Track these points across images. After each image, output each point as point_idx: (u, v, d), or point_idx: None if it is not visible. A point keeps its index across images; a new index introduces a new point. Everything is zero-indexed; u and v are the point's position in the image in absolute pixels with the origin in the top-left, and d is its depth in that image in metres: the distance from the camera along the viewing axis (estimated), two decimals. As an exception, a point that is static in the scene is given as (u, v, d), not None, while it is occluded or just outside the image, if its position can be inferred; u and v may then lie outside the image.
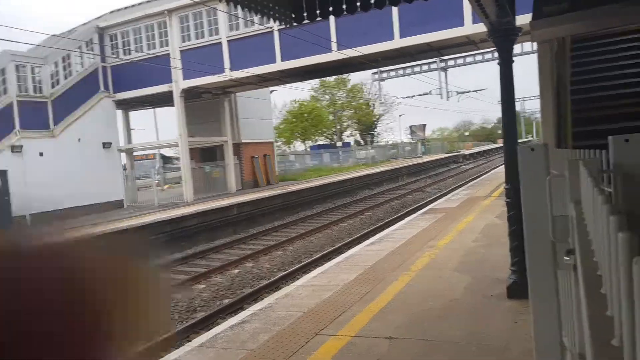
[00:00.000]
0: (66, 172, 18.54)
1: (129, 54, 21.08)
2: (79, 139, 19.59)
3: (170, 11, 20.22)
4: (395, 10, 15.91)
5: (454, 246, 7.55)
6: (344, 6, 5.11)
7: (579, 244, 1.24)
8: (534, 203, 2.53)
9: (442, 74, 25.99)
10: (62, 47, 19.30)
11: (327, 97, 58.19)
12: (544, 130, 5.46)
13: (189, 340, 5.76)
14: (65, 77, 19.71)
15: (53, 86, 19.19)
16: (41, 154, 18.15)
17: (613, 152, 2.23)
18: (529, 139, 71.16)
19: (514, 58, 5.37)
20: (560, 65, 5.44)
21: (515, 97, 5.39)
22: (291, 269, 9.88)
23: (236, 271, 10.57)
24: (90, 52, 20.80)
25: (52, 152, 18.48)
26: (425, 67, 24.95)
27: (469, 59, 22.95)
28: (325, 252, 11.16)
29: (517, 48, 21.21)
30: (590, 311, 0.69)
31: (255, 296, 8.24)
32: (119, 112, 23.37)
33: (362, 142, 59.30)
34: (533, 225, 2.54)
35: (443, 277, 5.88)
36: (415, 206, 17.42)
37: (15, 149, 17.39)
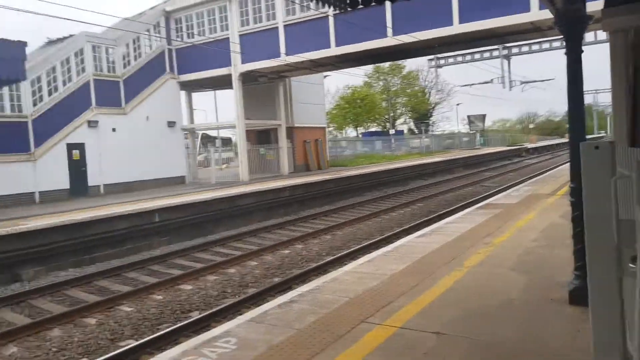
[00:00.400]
0: (135, 148, 19.85)
1: (192, 37, 21.77)
2: (147, 117, 20.75)
3: (232, -5, 20.61)
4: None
5: (512, 244, 7.29)
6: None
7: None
8: (597, 205, 2.40)
9: (505, 61, 24.86)
10: (132, 30, 20.29)
11: (380, 83, 57.38)
12: (615, 127, 5.12)
13: (241, 314, 6.01)
14: (135, 59, 20.82)
15: (125, 66, 20.35)
16: (114, 130, 19.46)
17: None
18: (602, 134, 66.90)
19: (586, 47, 5.03)
20: (638, 56, 5.06)
21: (587, 89, 5.08)
22: (339, 254, 9.98)
23: (286, 252, 10.81)
24: (158, 35, 21.70)
25: (124, 128, 19.77)
26: (486, 55, 23.94)
27: (534, 47, 21.75)
28: (373, 240, 11.15)
29: (590, 36, 19.90)
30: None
31: (304, 278, 8.41)
32: (183, 93, 24.37)
33: (416, 130, 58.12)
34: (595, 228, 2.42)
35: (498, 276, 5.70)
36: (471, 200, 16.96)
37: (92, 124, 18.74)
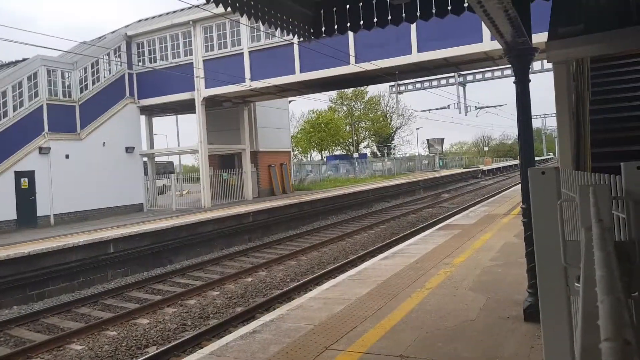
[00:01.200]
0: (90, 175, 19.16)
1: (155, 61, 21.58)
2: (104, 143, 20.15)
3: (195, 21, 20.67)
4: (413, 25, 15.99)
5: (471, 264, 7.48)
6: (361, 22, 5.18)
7: (584, 272, 1.27)
8: (545, 227, 2.52)
9: (461, 88, 25.88)
10: (91, 54, 19.89)
11: (344, 108, 58.42)
12: (560, 150, 5.42)
13: (201, 347, 5.84)
14: (94, 83, 20.33)
15: (82, 91, 19.81)
16: (67, 156, 18.71)
17: (624, 179, 2.23)
18: (551, 156, 70.01)
19: (535, 75, 5.35)
20: (579, 84, 5.41)
21: (537, 113, 5.38)
22: (304, 280, 9.91)
23: (250, 279, 10.64)
24: (118, 60, 21.36)
25: (78, 154, 19.05)
26: (443, 82, 24.90)
27: (487, 74, 22.84)
28: (338, 264, 11.16)
29: (537, 65, 21.01)
30: (583, 342, 0.73)
31: (268, 306, 8.29)
32: (143, 118, 23.90)
33: (378, 153, 59.17)
34: (544, 249, 2.53)
35: (458, 296, 5.83)
36: (432, 221, 17.31)
37: (43, 150, 17.96)
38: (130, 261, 12.62)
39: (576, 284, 2.41)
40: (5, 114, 17.21)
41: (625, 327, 0.63)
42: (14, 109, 17.49)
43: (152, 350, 6.81)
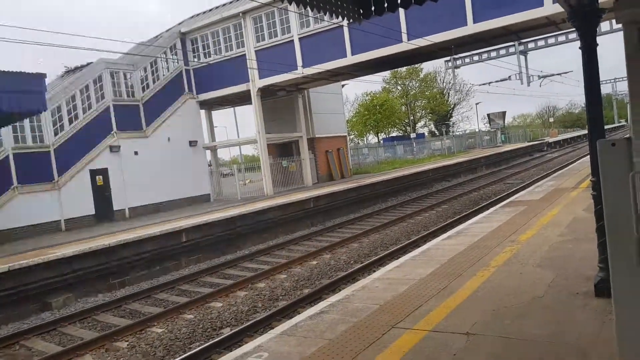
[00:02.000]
0: (158, 169, 20.25)
1: (209, 56, 22.26)
2: (169, 139, 21.20)
3: (245, 13, 21.04)
4: (467, -7, 15.35)
5: (538, 241, 7.24)
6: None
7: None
8: (616, 200, 2.45)
9: (522, 57, 24.50)
10: (149, 54, 20.86)
11: (399, 88, 57.31)
12: (633, 116, 5.09)
13: (272, 328, 6.13)
14: (154, 81, 21.33)
15: (143, 90, 20.86)
16: (136, 153, 19.88)
17: None
18: (623, 123, 64.99)
19: (601, 37, 5.02)
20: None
21: (607, 77, 5.04)
22: (367, 262, 10.02)
23: (315, 262, 10.91)
24: (175, 57, 22.26)
25: (146, 151, 20.16)
26: (502, 52, 23.67)
27: (550, 40, 21.39)
28: (401, 245, 11.16)
29: (605, 25, 19.51)
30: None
31: (333, 287, 8.49)
32: (202, 112, 24.85)
33: (436, 132, 57.69)
34: (615, 222, 2.46)
35: (525, 274, 5.69)
36: (495, 198, 16.78)
37: (114, 148, 19.19)
38: (201, 249, 13.31)
39: (650, 257, 2.34)
40: (76, 117, 18.38)
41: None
42: (84, 111, 18.65)
43: (227, 332, 7.21)
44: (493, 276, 5.75)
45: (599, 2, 4.93)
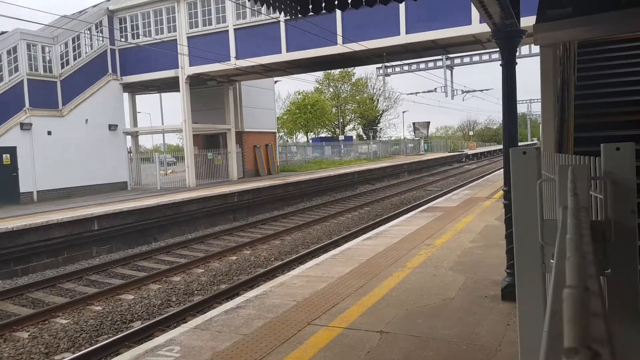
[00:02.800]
0: (73, 152, 18.88)
1: (137, 37, 21.09)
2: (87, 120, 19.81)
3: (180, -4, 20.19)
4: (402, 5, 15.87)
5: (451, 245, 7.61)
6: (349, 0, 5.12)
7: (558, 246, 1.32)
8: (524, 206, 2.58)
9: (448, 71, 25.90)
10: (72, 28, 19.36)
11: (331, 89, 58.13)
12: (544, 134, 5.49)
13: (185, 322, 5.88)
14: (75, 58, 19.85)
15: (63, 66, 19.35)
16: (49, 133, 18.37)
17: (604, 160, 2.29)
18: (535, 141, 70.82)
19: (522, 59, 5.39)
20: (565, 69, 5.46)
21: (523, 98, 5.43)
22: (288, 259, 9.99)
23: (234, 258, 10.68)
24: (100, 35, 20.84)
25: (61, 131, 18.70)
26: (431, 64, 24.87)
27: (475, 58, 22.86)
28: (322, 244, 11.25)
29: (525, 49, 21.09)
30: (552, 308, 0.76)
31: (251, 283, 8.35)
32: (126, 95, 23.46)
33: (364, 136, 59.23)
34: (522, 227, 2.59)
35: (438, 276, 5.95)
36: (415, 203, 17.49)
37: (25, 126, 17.60)
38: (114, 238, 12.56)
39: (552, 261, 2.48)
40: (-17, 89, 16.79)
41: (589, 278, 0.66)
42: (-6, 84, 17.08)
43: (137, 325, 6.85)
44: (408, 277, 5.94)
45: (521, 25, 5.27)
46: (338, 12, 16.53)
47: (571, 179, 1.81)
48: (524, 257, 2.58)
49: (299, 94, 54.19)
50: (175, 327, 6.14)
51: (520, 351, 2.56)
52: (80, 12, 22.43)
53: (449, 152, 57.38)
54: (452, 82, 28.16)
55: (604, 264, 1.99)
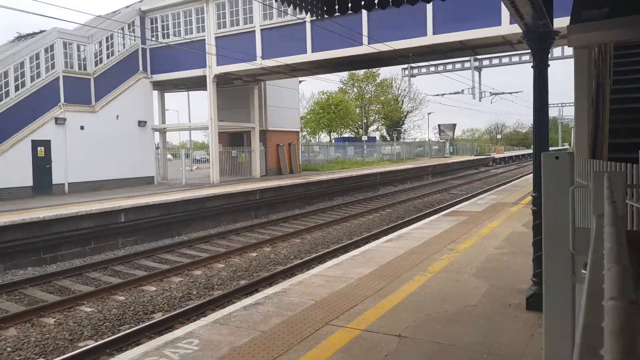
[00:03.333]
0: (104, 147, 19.46)
1: (167, 37, 21.49)
2: (117, 116, 20.36)
3: (209, -3, 20.44)
4: (429, 5, 15.65)
5: (475, 251, 7.45)
6: (376, 0, 5.05)
7: (592, 256, 1.25)
8: (555, 212, 2.48)
9: (476, 73, 25.47)
10: (105, 28, 19.89)
11: (355, 90, 57.90)
12: (576, 139, 5.31)
13: (205, 316, 5.93)
14: (108, 57, 20.44)
15: (96, 64, 19.95)
16: (82, 128, 18.97)
17: (643, 167, 2.16)
18: (566, 147, 69.04)
19: (554, 61, 5.23)
20: (601, 72, 5.26)
21: (554, 102, 5.26)
22: (307, 258, 9.98)
23: (254, 254, 10.74)
24: (132, 34, 21.33)
25: (93, 126, 19.30)
26: (458, 66, 24.47)
27: (504, 60, 22.38)
28: (342, 244, 11.20)
29: (557, 51, 20.56)
30: (586, 321, 0.70)
31: (271, 280, 8.37)
32: (155, 93, 23.97)
33: (387, 137, 58.82)
34: (552, 235, 2.49)
35: (461, 282, 5.82)
36: (439, 207, 17.25)
37: (59, 120, 18.21)
38: (140, 231, 12.81)
39: (583, 271, 2.38)
40: (23, 84, 17.49)
41: (630, 291, 0.61)
42: (32, 79, 17.75)
43: (158, 316, 6.95)
44: (429, 281, 5.83)
45: (554, 26, 5.11)
46: (364, 13, 16.43)
47: (607, 185, 1.72)
48: (553, 265, 2.48)
49: (323, 93, 54.21)
50: (195, 320, 6.18)
51: (545, 363, 2.47)
52: (114, 12, 23.01)
53: (475, 155, 56.46)
54: (480, 83, 27.70)
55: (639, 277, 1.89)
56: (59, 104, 18.36)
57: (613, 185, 1.86)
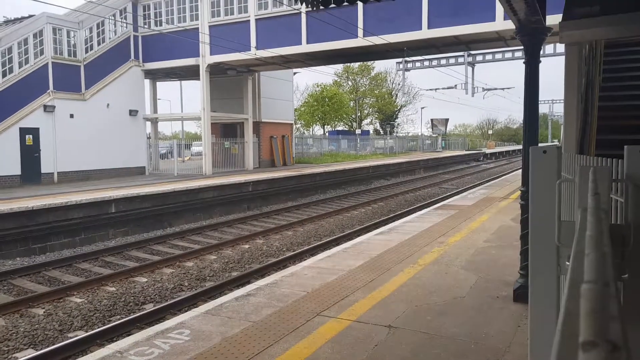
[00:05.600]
0: (94, 135, 19.22)
1: (160, 25, 21.25)
2: (108, 105, 20.11)
3: (203, -16, 20.25)
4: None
5: (465, 244, 7.55)
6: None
7: (575, 247, 1.29)
8: (542, 206, 2.53)
9: (469, 68, 25.56)
10: (97, 14, 19.62)
11: (349, 83, 57.83)
12: (565, 135, 5.38)
13: (196, 307, 5.95)
14: (99, 43, 20.14)
15: (87, 51, 19.64)
16: (72, 116, 18.71)
17: (626, 162, 2.23)
18: (556, 143, 69.53)
19: (545, 58, 5.28)
20: (590, 69, 5.33)
21: (544, 98, 5.33)
22: (299, 250, 10.02)
23: (247, 246, 10.76)
24: (124, 21, 21.05)
25: (83, 114, 19.03)
26: (452, 61, 24.55)
27: (498, 56, 22.49)
28: (334, 237, 11.26)
29: (549, 48, 20.67)
30: (567, 307, 0.74)
31: (263, 272, 8.41)
32: (147, 82, 23.71)
33: (381, 131, 58.90)
34: (539, 228, 2.55)
35: (450, 274, 5.90)
36: (430, 201, 17.36)
37: (48, 108, 17.93)
38: (131, 222, 12.76)
39: (567, 263, 2.44)
40: (10, 70, 17.14)
41: (608, 275, 0.65)
42: (20, 65, 17.40)
43: (149, 307, 6.96)
44: (419, 274, 5.91)
45: (546, 23, 5.16)
46: (359, 5, 16.38)
47: (592, 179, 1.77)
48: (538, 258, 2.54)
49: (318, 86, 54.08)
50: (186, 311, 6.22)
51: (530, 353, 2.53)
52: (106, -3, 22.66)
53: (466, 150, 56.74)
54: (472, 79, 27.81)
55: (621, 268, 1.94)
56: (48, 91, 18.06)
57: (598, 179, 1.91)
